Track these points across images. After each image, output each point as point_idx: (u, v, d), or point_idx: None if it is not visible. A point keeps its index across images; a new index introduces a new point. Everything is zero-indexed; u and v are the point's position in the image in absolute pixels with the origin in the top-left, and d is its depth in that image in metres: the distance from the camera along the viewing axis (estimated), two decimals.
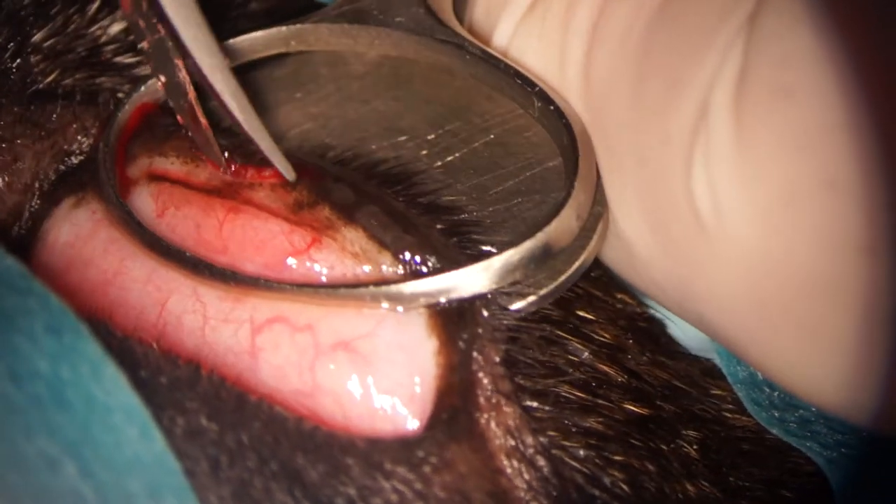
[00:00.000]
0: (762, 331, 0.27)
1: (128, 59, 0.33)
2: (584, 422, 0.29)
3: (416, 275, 0.28)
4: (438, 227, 0.29)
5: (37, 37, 0.33)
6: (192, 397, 0.26)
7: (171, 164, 0.31)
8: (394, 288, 0.28)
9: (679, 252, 0.28)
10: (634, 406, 0.30)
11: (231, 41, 0.32)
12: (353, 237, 0.29)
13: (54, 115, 0.32)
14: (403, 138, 0.31)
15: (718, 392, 0.32)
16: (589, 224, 0.29)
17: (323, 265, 0.29)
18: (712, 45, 0.26)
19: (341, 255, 0.29)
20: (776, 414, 0.31)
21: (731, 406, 0.32)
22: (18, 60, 0.32)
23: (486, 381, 0.28)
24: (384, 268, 0.29)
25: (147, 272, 0.30)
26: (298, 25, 0.33)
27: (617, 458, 0.29)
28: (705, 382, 0.32)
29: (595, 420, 0.29)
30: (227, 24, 0.34)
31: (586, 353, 0.30)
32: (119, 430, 0.24)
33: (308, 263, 0.29)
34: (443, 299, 0.28)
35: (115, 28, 0.34)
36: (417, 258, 0.29)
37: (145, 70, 0.33)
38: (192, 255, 0.29)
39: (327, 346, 0.28)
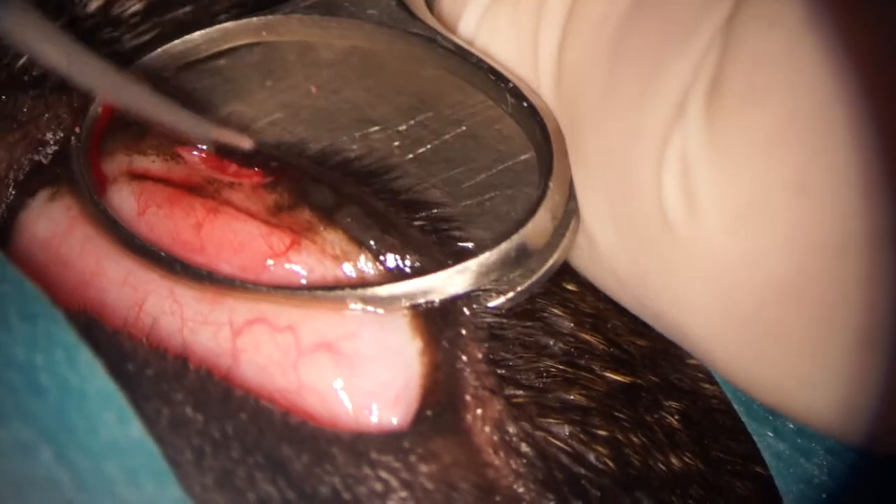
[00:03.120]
0: (727, 333, 0.27)
1: (106, 35, 0.33)
2: (566, 395, 0.30)
3: (398, 276, 0.29)
4: (416, 223, 0.30)
5: None
6: (178, 389, 0.26)
7: (152, 163, 0.31)
8: (374, 290, 0.28)
9: (643, 249, 0.28)
10: (616, 374, 0.31)
11: (202, 31, 0.32)
12: (334, 239, 0.29)
13: (26, 107, 0.32)
14: (375, 129, 0.31)
15: (692, 362, 0.32)
16: (562, 221, 0.30)
17: (302, 267, 0.29)
18: (690, 44, 0.26)
19: (321, 256, 0.29)
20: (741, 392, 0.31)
21: (703, 376, 0.32)
22: None
23: (471, 378, 0.28)
24: (365, 269, 0.29)
25: (124, 272, 0.29)
26: (270, 16, 0.33)
27: (601, 432, 0.29)
28: (679, 351, 0.32)
29: (577, 393, 0.30)
30: (203, 12, 0.34)
31: (569, 323, 0.31)
32: (95, 414, 0.24)
33: (287, 265, 0.29)
34: (423, 300, 0.28)
35: (95, 4, 0.33)
36: (398, 259, 0.29)
37: (116, 48, 0.33)
38: (167, 254, 0.29)
39: (309, 346, 0.28)
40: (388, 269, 0.29)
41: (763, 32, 0.25)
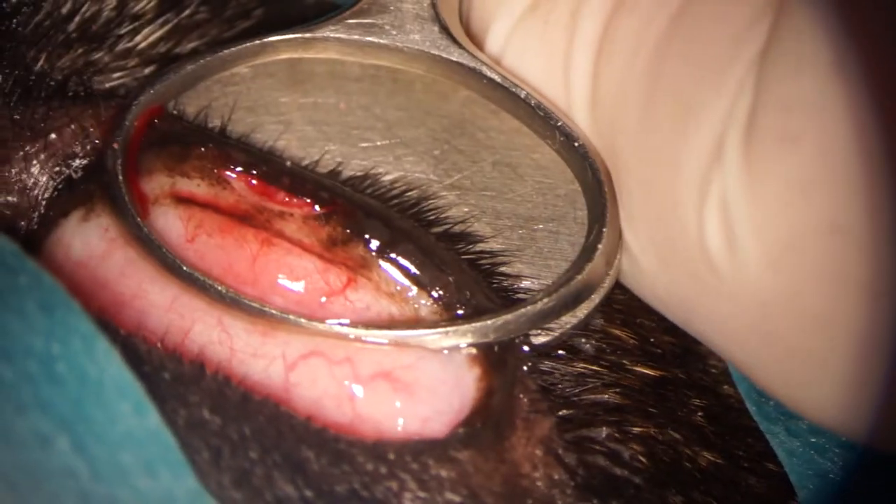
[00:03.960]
0: (767, 360, 0.28)
1: (124, 30, 0.32)
2: (602, 396, 0.30)
3: (454, 316, 0.29)
4: (463, 258, 0.30)
5: (25, 22, 0.32)
6: (196, 392, 0.26)
7: (198, 187, 0.30)
8: (436, 332, 0.28)
9: (686, 279, 0.28)
10: (647, 368, 0.31)
11: (236, 47, 0.32)
12: (388, 276, 0.29)
13: (41, 115, 0.31)
14: (408, 152, 0.31)
15: (713, 361, 0.33)
16: None
17: (359, 304, 0.29)
18: (724, 78, 0.27)
19: (377, 294, 0.29)
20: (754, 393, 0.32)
21: (722, 376, 0.33)
22: (6, 52, 0.31)
23: (525, 403, 0.29)
24: (420, 308, 0.29)
25: (169, 298, 0.29)
26: (309, 34, 0.32)
27: (635, 429, 0.30)
28: (701, 349, 0.32)
29: (612, 392, 0.30)
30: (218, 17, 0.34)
31: (599, 320, 0.31)
32: (112, 405, 0.24)
33: (345, 303, 0.29)
34: (482, 340, 0.28)
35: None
36: (452, 297, 0.29)
37: (135, 43, 0.33)
38: (224, 287, 0.28)
39: (367, 376, 0.28)
40: (444, 309, 0.29)
41: (792, 74, 0.25)
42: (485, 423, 0.28)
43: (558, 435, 0.29)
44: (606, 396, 0.30)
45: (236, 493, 0.25)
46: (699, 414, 0.31)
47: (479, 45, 0.33)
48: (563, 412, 0.29)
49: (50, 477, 0.23)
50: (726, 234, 0.27)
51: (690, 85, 0.27)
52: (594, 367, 0.30)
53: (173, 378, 0.26)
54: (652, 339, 0.32)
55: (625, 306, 0.32)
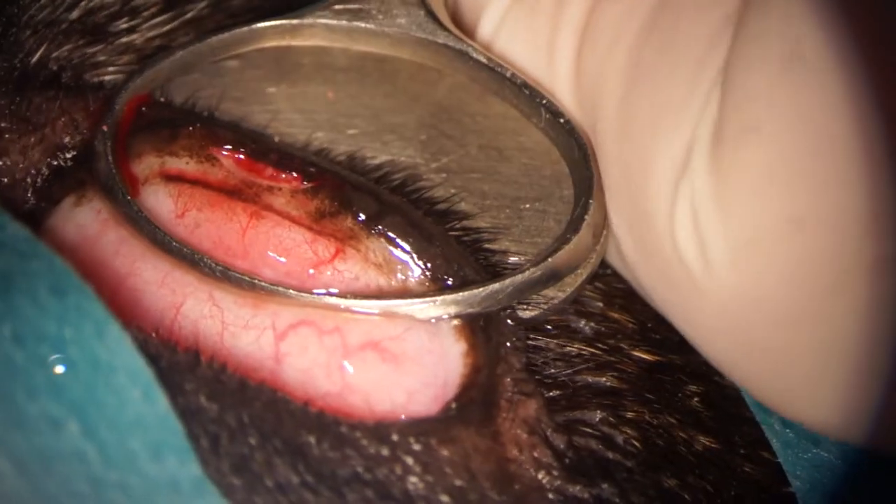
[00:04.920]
0: (739, 357, 0.28)
1: (123, 25, 0.32)
2: (597, 379, 0.30)
3: (442, 287, 0.29)
4: (451, 233, 0.30)
5: (26, 14, 0.32)
6: (191, 379, 0.26)
7: (186, 165, 0.30)
8: (424, 302, 0.28)
9: (661, 276, 0.29)
10: (645, 353, 0.31)
11: (232, 31, 0.32)
12: (376, 247, 0.30)
13: (42, 108, 0.31)
14: (395, 137, 0.32)
15: None
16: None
17: (347, 275, 0.29)
18: (698, 80, 0.27)
19: (364, 265, 0.30)
20: None
21: None
22: (5, 42, 0.31)
23: (508, 384, 0.29)
24: (407, 279, 0.29)
25: (160, 274, 0.29)
26: (298, 20, 0.32)
27: (629, 414, 0.30)
28: None
29: (608, 376, 0.30)
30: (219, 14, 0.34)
31: (598, 303, 0.31)
32: (123, 390, 0.24)
33: (331, 273, 0.29)
34: (468, 311, 0.28)
35: None
36: (440, 269, 0.29)
37: (132, 38, 0.33)
38: (212, 260, 0.29)
39: (356, 346, 0.28)
40: (432, 281, 0.29)
41: (750, 67, 0.26)
42: (473, 400, 0.28)
43: (547, 416, 0.29)
44: (602, 379, 0.30)
45: (236, 479, 0.25)
46: (695, 399, 0.31)
47: (471, 35, 0.33)
48: (552, 393, 0.30)
49: (60, 460, 0.23)
50: (695, 233, 0.27)
51: (666, 82, 0.28)
52: (590, 349, 0.30)
53: (169, 366, 0.26)
54: (650, 325, 0.32)
55: (624, 291, 0.32)
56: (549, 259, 0.29)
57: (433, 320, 0.29)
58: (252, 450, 0.26)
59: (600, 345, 0.31)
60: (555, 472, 0.28)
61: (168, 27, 0.33)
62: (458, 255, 0.30)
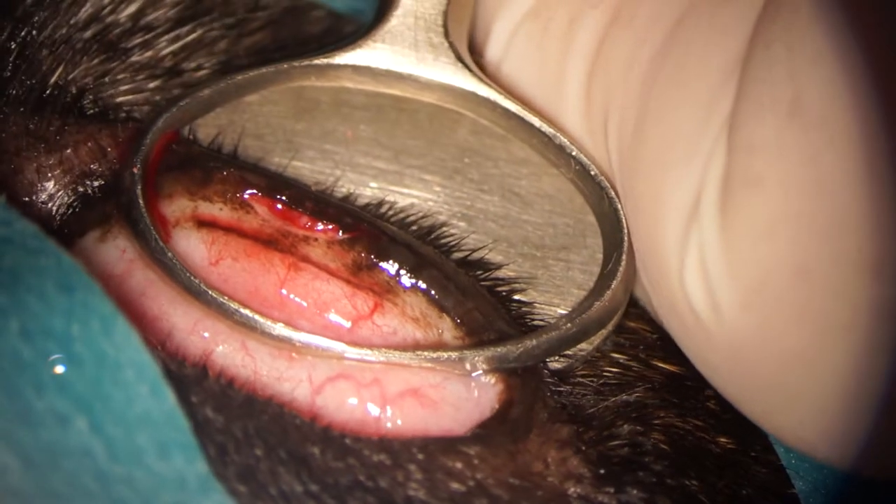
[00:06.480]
0: (746, 394, 0.29)
1: (137, 40, 0.32)
2: (626, 397, 0.30)
3: (476, 342, 0.29)
4: (482, 284, 0.30)
5: (43, 32, 0.31)
6: (199, 392, 0.26)
7: (220, 211, 0.30)
8: (465, 355, 0.28)
9: (669, 312, 0.29)
10: (667, 364, 0.31)
11: (251, 73, 0.32)
12: (414, 302, 0.30)
13: (56, 128, 0.30)
14: (416, 181, 0.32)
15: None
16: None
17: (386, 329, 0.29)
18: (707, 123, 0.27)
19: (402, 319, 0.30)
20: None
21: None
22: (23, 61, 0.31)
23: (544, 418, 0.29)
24: (443, 332, 0.29)
25: (191, 321, 0.29)
26: (325, 61, 0.32)
27: (657, 421, 0.30)
28: None
29: (634, 391, 0.31)
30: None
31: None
32: (130, 386, 0.24)
33: (372, 327, 0.29)
34: (504, 366, 0.29)
35: (127, 10, 0.32)
36: (475, 323, 0.29)
37: (146, 55, 0.33)
38: (251, 311, 0.28)
39: (395, 394, 0.28)
40: (467, 334, 0.29)
41: (756, 116, 0.26)
42: (500, 429, 0.28)
43: (577, 437, 0.29)
44: (632, 398, 0.30)
45: (241, 486, 0.25)
46: (712, 402, 0.32)
47: (481, 53, 0.33)
48: (584, 417, 0.30)
49: (67, 456, 0.23)
50: (704, 278, 0.27)
51: (676, 120, 0.28)
52: (614, 369, 0.31)
53: (177, 379, 0.26)
54: (667, 334, 0.32)
55: (634, 301, 0.32)
56: (584, 315, 0.30)
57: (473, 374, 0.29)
58: (258, 460, 0.26)
59: (623, 359, 0.31)
60: (584, 482, 0.29)
61: (181, 43, 0.33)
62: (490, 307, 0.30)
